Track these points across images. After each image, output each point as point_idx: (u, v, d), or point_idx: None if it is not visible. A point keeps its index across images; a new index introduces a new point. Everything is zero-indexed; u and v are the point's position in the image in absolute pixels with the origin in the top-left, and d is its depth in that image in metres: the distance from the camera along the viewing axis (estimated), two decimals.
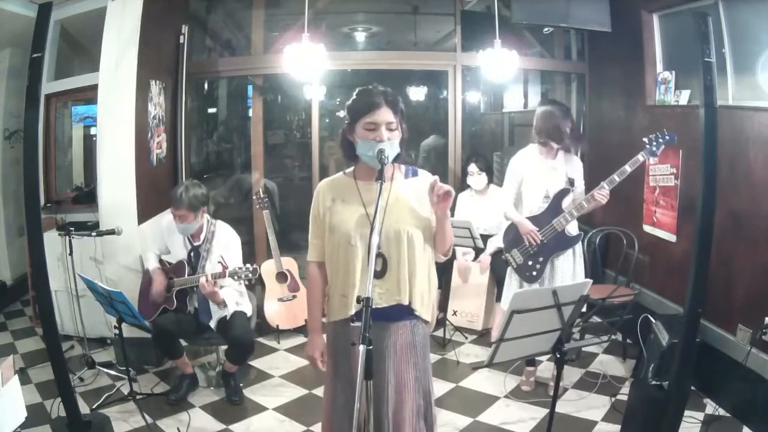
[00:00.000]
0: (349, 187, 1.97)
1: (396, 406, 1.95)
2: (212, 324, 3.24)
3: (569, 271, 3.17)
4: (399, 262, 1.91)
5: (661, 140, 2.95)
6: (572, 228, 3.17)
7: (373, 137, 1.84)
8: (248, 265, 2.99)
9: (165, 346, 3.25)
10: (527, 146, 3.26)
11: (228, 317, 3.21)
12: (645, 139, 2.98)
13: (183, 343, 3.39)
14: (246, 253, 3.91)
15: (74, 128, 4.86)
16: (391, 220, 1.89)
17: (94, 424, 2.67)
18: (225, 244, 3.25)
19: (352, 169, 2.02)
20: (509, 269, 3.29)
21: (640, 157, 2.96)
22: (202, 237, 3.26)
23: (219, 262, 3.08)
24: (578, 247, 3.22)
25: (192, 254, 3.26)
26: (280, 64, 3.65)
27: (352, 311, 1.91)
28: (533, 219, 3.17)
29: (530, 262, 3.18)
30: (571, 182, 3.13)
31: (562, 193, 3.13)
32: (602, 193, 2.96)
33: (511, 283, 3.30)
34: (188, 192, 3.12)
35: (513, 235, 3.23)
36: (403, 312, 1.95)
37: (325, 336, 2.09)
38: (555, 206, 3.13)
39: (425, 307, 1.99)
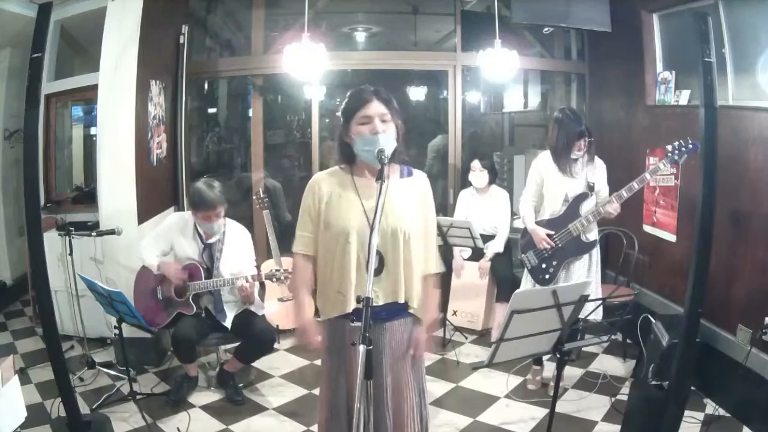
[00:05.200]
0: (346, 184, 1.97)
1: (395, 404, 1.95)
2: (228, 324, 3.23)
3: (584, 276, 3.15)
4: (396, 261, 1.92)
5: (684, 149, 2.88)
6: (590, 234, 3.15)
7: (368, 130, 1.86)
8: (283, 269, 3.10)
9: (184, 352, 3.21)
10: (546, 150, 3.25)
11: (243, 314, 3.24)
12: (668, 147, 2.94)
13: None
14: None
15: (74, 128, 4.86)
16: (388, 220, 1.90)
17: (94, 424, 2.67)
18: (239, 242, 3.27)
19: (347, 164, 2.01)
20: (525, 270, 3.30)
21: (661, 165, 2.92)
22: (217, 235, 3.24)
23: (256, 266, 3.15)
24: (595, 253, 3.19)
25: (205, 254, 3.22)
26: (280, 64, 3.65)
27: (350, 309, 1.90)
28: (550, 222, 3.16)
29: (544, 265, 3.18)
30: (590, 187, 3.12)
31: (581, 198, 3.12)
32: (613, 208, 2.98)
33: (526, 284, 3.29)
34: (214, 189, 3.12)
35: (530, 237, 3.23)
36: (399, 310, 1.96)
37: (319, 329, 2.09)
38: (572, 211, 3.12)
39: (421, 305, 2.00)
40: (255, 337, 3.21)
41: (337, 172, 2.01)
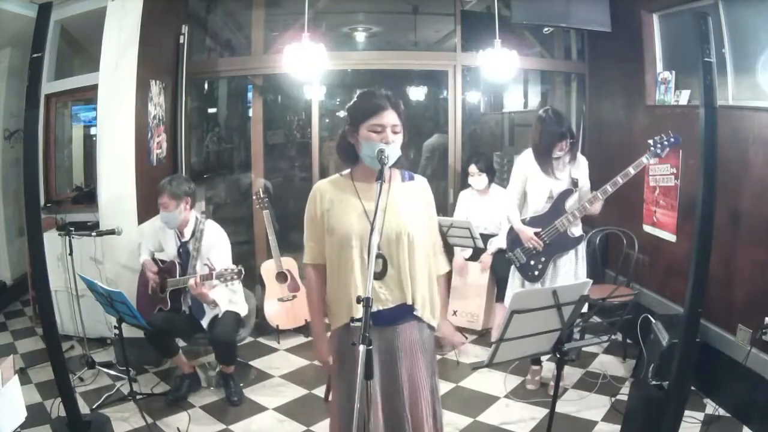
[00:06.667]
0: (347, 189, 1.96)
1: (412, 406, 1.95)
2: (204, 323, 3.26)
3: (571, 272, 3.17)
4: (399, 264, 1.91)
5: (666, 142, 2.92)
6: (575, 229, 3.16)
7: (380, 139, 1.83)
8: (233, 267, 2.99)
9: (159, 344, 3.26)
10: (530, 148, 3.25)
11: (219, 317, 3.24)
12: (650, 141, 2.96)
13: (181, 343, 3.41)
14: (246, 253, 3.87)
15: (74, 128, 4.86)
16: (391, 223, 1.89)
17: (94, 424, 2.68)
18: (212, 243, 3.25)
19: (348, 171, 2.00)
20: (512, 268, 3.30)
21: (644, 159, 2.94)
22: (188, 233, 3.27)
23: (206, 264, 3.10)
24: (581, 248, 3.21)
25: (181, 250, 3.27)
26: (280, 64, 3.66)
27: (356, 314, 1.89)
28: (536, 219, 3.17)
29: (532, 262, 3.18)
30: (574, 183, 3.13)
31: (565, 194, 3.13)
32: (598, 205, 3.00)
33: (514, 282, 3.30)
34: (172, 181, 3.21)
35: (516, 234, 3.23)
36: (409, 311, 1.96)
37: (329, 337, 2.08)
38: (558, 207, 3.13)
39: (427, 310, 1.99)
40: (215, 338, 3.21)
41: (338, 179, 2.00)
